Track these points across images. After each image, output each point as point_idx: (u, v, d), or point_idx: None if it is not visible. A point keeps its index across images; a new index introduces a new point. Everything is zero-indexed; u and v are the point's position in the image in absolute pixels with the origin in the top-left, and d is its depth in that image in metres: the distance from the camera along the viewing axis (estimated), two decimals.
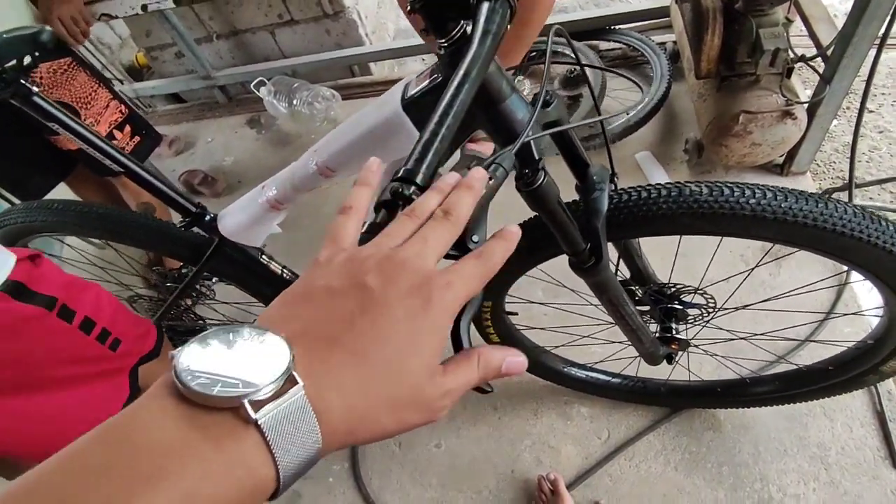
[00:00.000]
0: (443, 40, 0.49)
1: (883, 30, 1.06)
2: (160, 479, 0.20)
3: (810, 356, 1.21)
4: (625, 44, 1.86)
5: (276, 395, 0.22)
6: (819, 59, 1.26)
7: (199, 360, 0.23)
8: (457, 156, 1.59)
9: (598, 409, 1.29)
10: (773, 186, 0.58)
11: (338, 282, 0.28)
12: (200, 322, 1.18)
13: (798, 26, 1.39)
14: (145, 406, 0.22)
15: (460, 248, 0.35)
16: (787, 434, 1.17)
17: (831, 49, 1.20)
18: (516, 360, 0.31)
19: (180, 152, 2.24)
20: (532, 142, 0.57)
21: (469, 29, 0.48)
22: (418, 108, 0.55)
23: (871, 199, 1.62)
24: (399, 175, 0.33)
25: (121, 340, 0.81)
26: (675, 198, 0.60)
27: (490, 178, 0.36)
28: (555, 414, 1.31)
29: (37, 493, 0.20)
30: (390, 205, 0.32)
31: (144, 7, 1.16)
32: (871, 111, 1.83)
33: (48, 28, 0.67)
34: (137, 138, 1.43)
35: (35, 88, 0.71)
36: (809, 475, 1.13)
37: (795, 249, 0.63)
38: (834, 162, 1.74)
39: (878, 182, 1.47)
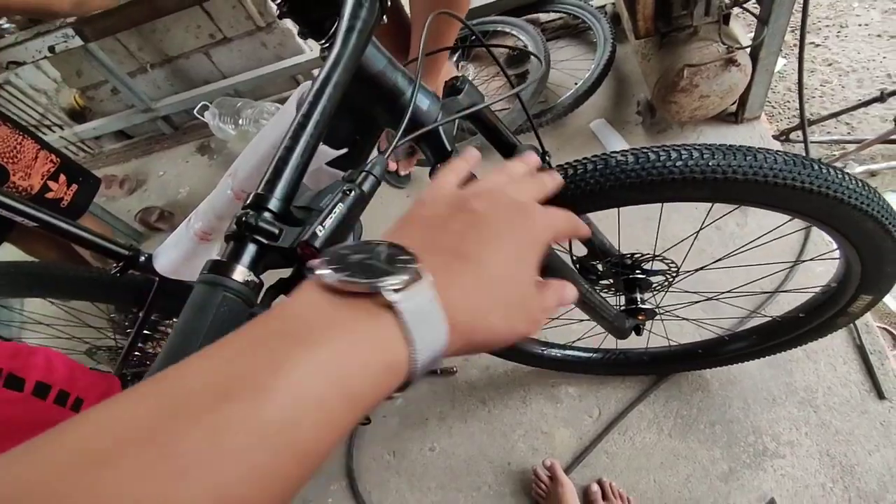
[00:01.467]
0: (322, 40, 0.46)
1: None
2: (312, 344, 0.22)
3: (784, 306, 1.20)
4: (565, 12, 1.83)
5: (407, 286, 0.25)
6: (754, 1, 1.24)
7: (340, 262, 0.25)
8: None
9: (585, 388, 1.27)
10: (699, 145, 0.56)
11: (445, 210, 0.31)
12: None
13: None
14: (295, 296, 0.25)
15: None
16: (774, 382, 1.16)
17: None
18: (574, 290, 0.34)
19: (133, 191, 2.17)
20: (442, 132, 0.54)
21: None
22: None
23: (828, 132, 1.61)
24: (248, 202, 0.29)
25: (83, 399, 0.78)
26: (602, 170, 0.57)
27: (350, 192, 0.33)
28: (543, 399, 1.29)
29: (209, 355, 0.22)
30: (237, 237, 0.29)
31: (52, 49, 1.10)
32: (817, 45, 1.82)
33: None
34: (74, 186, 1.38)
35: None
36: (800, 420, 1.12)
37: (735, 206, 0.61)
38: (788, 101, 1.73)
39: (831, 116, 1.46)
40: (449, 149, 0.53)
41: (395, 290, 0.24)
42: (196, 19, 1.95)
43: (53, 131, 2.31)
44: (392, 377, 0.24)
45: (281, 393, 0.20)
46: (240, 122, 1.93)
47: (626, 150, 0.57)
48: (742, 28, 1.49)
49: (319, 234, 0.29)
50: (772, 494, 1.06)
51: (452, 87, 0.56)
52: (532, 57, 1.70)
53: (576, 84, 1.64)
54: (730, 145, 0.55)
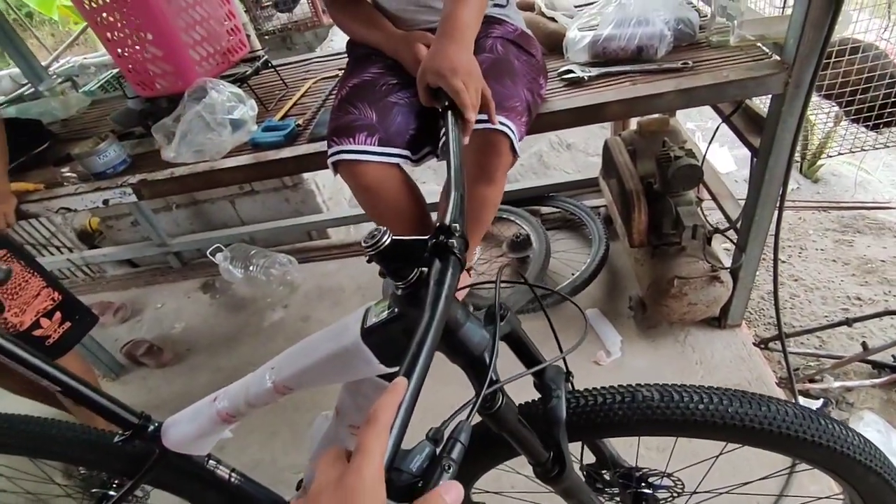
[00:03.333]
0: (400, 283, 0.53)
1: (779, 200, 1.22)
2: None
3: None
4: (563, 209, 2.06)
5: None
6: (731, 231, 1.43)
7: None
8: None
9: None
10: (719, 389, 0.61)
11: None
12: None
13: (711, 203, 1.59)
14: None
15: None
16: None
17: (739, 222, 1.37)
18: (455, 493, 0.34)
19: (126, 320, 2.15)
20: (486, 356, 0.59)
21: (424, 271, 0.53)
22: (377, 337, 0.56)
23: (802, 344, 1.73)
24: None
25: None
26: (629, 403, 0.62)
27: (449, 468, 0.37)
28: None
29: None
30: None
31: (106, 202, 1.20)
32: (783, 261, 2.05)
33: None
34: (68, 324, 1.38)
35: None
36: None
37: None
38: (763, 309, 1.89)
39: (806, 332, 1.60)
40: (496, 380, 0.58)
41: None
42: None
43: (62, 252, 2.35)
44: None
45: None
46: (250, 268, 2.01)
47: (652, 386, 0.62)
48: (719, 247, 1.69)
49: None
50: None
51: (495, 314, 0.63)
52: (532, 244, 1.87)
53: (573, 274, 1.78)
54: (745, 393, 0.61)
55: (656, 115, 1.66)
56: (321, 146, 1.15)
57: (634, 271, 1.65)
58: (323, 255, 2.18)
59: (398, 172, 1.06)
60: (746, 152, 1.26)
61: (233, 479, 0.91)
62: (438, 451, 0.38)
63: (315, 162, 1.17)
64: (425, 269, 0.52)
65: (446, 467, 0.36)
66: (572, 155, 2.89)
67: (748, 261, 1.39)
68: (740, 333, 1.61)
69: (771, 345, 1.64)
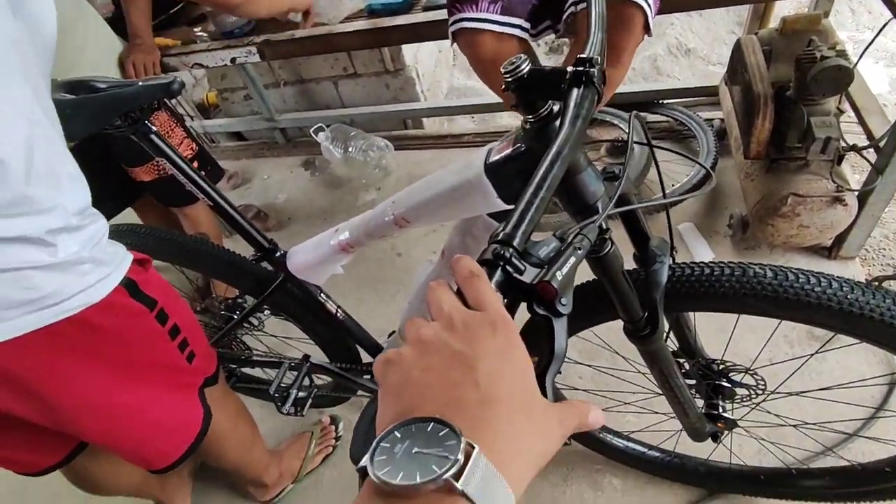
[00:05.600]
0: (531, 117, 0.54)
1: None
2: None
3: (863, 452, 1.16)
4: (672, 118, 1.92)
5: (463, 465, 0.24)
6: (871, 148, 1.28)
7: (388, 459, 0.25)
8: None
9: (630, 482, 1.25)
10: (838, 276, 0.59)
11: (431, 361, 0.30)
12: (247, 352, 1.21)
13: (850, 114, 1.42)
14: None
15: (550, 310, 0.37)
16: None
17: (884, 140, 1.22)
18: (599, 414, 0.35)
19: (237, 186, 2.36)
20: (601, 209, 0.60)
21: (555, 108, 0.53)
22: (500, 173, 0.59)
23: None
24: (499, 238, 0.36)
25: (195, 355, 0.82)
26: (739, 278, 0.62)
27: (579, 249, 0.39)
28: (585, 483, 1.27)
29: None
30: (491, 263, 0.35)
31: (233, 60, 1.28)
32: None
33: (179, 79, 0.75)
34: (203, 173, 1.54)
35: (154, 128, 0.79)
36: None
37: (857, 341, 0.63)
38: (884, 249, 1.72)
39: None
40: (605, 228, 0.59)
41: (456, 475, 0.23)
42: (336, 53, 2.18)
43: (184, 122, 2.57)
44: None
45: None
46: (349, 148, 2.10)
47: (765, 266, 0.61)
48: (849, 166, 1.53)
49: (559, 276, 0.35)
50: None
51: (611, 174, 0.63)
52: (633, 150, 1.78)
53: (672, 185, 1.70)
54: (869, 284, 0.59)
55: (805, 12, 1.45)
56: (437, 14, 1.13)
57: (743, 187, 1.54)
58: (417, 145, 2.22)
59: (517, 45, 1.03)
60: None
61: (339, 314, 1.03)
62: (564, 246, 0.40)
63: (430, 31, 1.16)
64: (556, 107, 0.53)
65: (577, 248, 0.38)
66: (691, 62, 2.62)
67: (884, 185, 1.25)
68: (852, 267, 1.49)
69: (885, 284, 1.51)
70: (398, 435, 0.26)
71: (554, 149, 0.44)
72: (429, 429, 0.25)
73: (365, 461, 0.25)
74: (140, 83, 0.73)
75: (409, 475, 0.24)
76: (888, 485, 0.85)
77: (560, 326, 0.36)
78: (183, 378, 0.82)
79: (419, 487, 0.23)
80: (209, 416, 0.86)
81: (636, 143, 0.62)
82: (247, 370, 1.35)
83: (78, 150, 0.66)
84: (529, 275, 0.36)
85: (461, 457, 0.24)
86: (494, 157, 0.60)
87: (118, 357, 0.69)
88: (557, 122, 0.48)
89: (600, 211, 0.57)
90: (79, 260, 0.61)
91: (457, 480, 0.23)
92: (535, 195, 0.40)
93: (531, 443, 0.28)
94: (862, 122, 1.32)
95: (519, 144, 0.58)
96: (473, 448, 0.25)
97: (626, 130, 1.83)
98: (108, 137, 1.32)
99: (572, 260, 0.37)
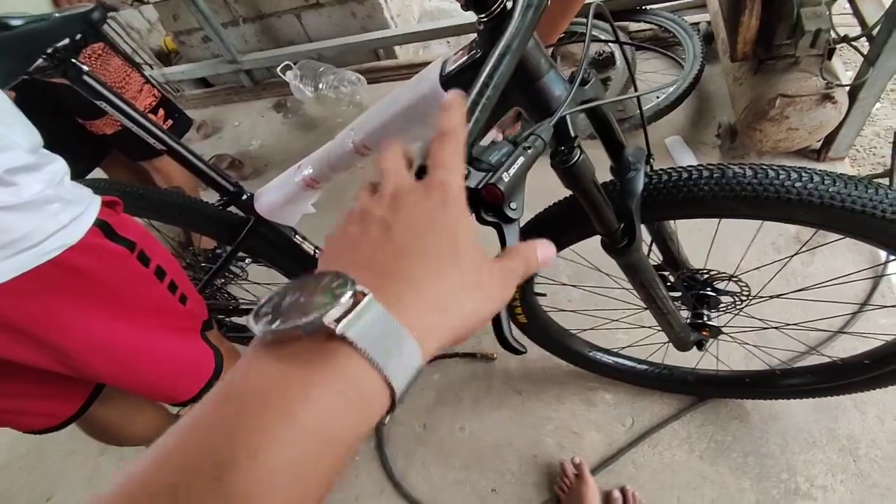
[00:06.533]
0: (482, 15, 0.49)
1: None
2: (266, 411, 0.21)
3: (844, 348, 1.18)
4: (656, 24, 1.81)
5: (349, 309, 0.23)
6: (863, 39, 1.21)
7: (274, 312, 0.24)
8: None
9: (622, 396, 1.29)
10: (819, 170, 0.57)
11: (351, 229, 0.29)
12: (233, 302, 1.20)
13: (842, 4, 1.33)
14: (241, 365, 0.24)
15: (498, 214, 0.35)
16: (816, 426, 1.15)
17: (877, 28, 1.15)
18: (547, 248, 0.32)
19: (208, 136, 2.27)
20: (568, 119, 0.56)
21: (509, 4, 0.48)
22: (457, 83, 0.55)
23: None
24: None
25: (187, 297, 0.81)
26: (718, 179, 0.59)
27: (529, 148, 0.36)
28: (578, 400, 1.31)
29: (174, 449, 0.21)
30: (427, 170, 0.32)
31: None
32: None
33: (100, 6, 0.68)
34: (170, 122, 1.45)
35: (85, 68, 0.72)
36: (838, 467, 1.11)
37: (839, 236, 0.62)
38: (874, 147, 1.68)
39: None
40: (573, 135, 0.56)
41: (338, 319, 0.22)
42: None
43: (143, 70, 2.42)
44: (374, 408, 0.23)
45: (256, 474, 0.20)
46: (320, 85, 1.99)
47: (745, 164, 0.58)
48: (839, 64, 1.46)
49: (506, 179, 0.32)
50: None
51: (582, 78, 0.59)
52: (615, 63, 1.70)
53: (657, 98, 1.63)
54: (850, 175, 0.56)
55: None
56: None
57: (730, 92, 1.48)
58: (391, 76, 2.11)
59: None
60: None
61: (316, 255, 1.01)
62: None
63: None
64: (510, 2, 0.48)
65: (527, 148, 0.35)
66: None
67: (875, 77, 1.19)
68: (840, 168, 1.46)
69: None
70: (289, 290, 0.25)
71: (502, 42, 0.39)
72: (324, 282, 0.24)
73: (249, 315, 0.24)
74: (56, 14, 0.66)
75: (287, 322, 0.23)
76: (867, 376, 0.87)
77: (511, 234, 0.33)
78: (182, 321, 0.80)
79: (292, 331, 0.22)
80: (220, 356, 0.86)
81: (596, 40, 0.57)
82: (236, 319, 1.35)
83: (26, 108, 0.62)
84: (474, 179, 0.33)
85: (346, 301, 0.23)
86: (450, 68, 0.55)
87: (110, 300, 0.68)
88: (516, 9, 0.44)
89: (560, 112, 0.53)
90: (45, 199, 0.60)
91: (337, 324, 0.22)
92: (481, 94, 0.36)
93: (461, 298, 0.27)
94: (855, 9, 1.24)
95: (475, 51, 0.53)
96: (366, 295, 0.23)
97: (606, 40, 1.73)
98: (53, 89, 1.23)
99: (521, 160, 0.34)
